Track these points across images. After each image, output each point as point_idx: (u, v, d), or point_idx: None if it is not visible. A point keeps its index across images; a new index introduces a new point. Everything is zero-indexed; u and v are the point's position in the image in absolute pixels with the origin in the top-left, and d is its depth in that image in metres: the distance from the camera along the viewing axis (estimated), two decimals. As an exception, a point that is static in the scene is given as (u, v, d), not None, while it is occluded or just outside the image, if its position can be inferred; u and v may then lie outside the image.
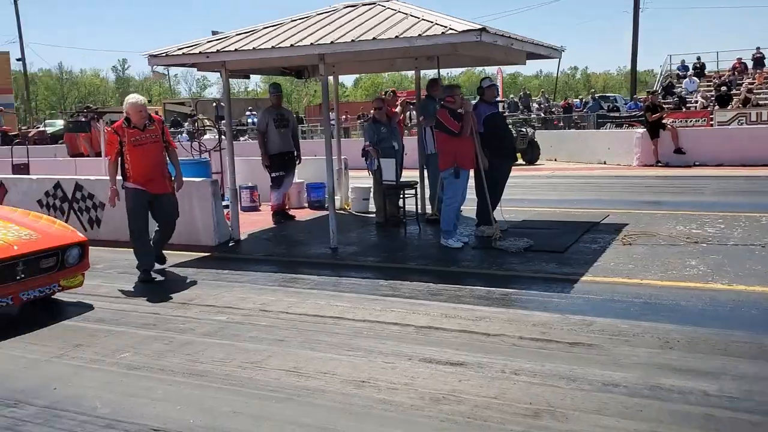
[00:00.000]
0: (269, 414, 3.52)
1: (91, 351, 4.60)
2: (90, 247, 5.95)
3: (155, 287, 6.39)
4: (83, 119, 13.16)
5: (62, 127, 36.80)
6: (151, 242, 6.75)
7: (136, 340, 4.78)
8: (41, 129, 31.93)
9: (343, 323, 4.97)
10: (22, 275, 5.21)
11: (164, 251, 6.97)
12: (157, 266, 6.85)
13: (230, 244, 8.12)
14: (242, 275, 6.64)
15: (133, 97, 6.46)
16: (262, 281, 6.41)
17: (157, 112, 18.70)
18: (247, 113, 32.36)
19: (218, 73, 8.57)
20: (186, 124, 27.69)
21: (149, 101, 45.19)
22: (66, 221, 8.73)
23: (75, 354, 4.56)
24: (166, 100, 41.19)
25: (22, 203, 9.05)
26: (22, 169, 12.40)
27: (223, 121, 11.12)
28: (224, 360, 4.33)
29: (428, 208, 9.29)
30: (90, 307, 5.70)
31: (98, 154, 13.31)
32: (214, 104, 28.80)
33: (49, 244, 5.47)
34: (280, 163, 9.40)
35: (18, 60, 49.28)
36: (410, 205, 8.90)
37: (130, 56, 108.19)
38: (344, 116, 27.50)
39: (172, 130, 26.70)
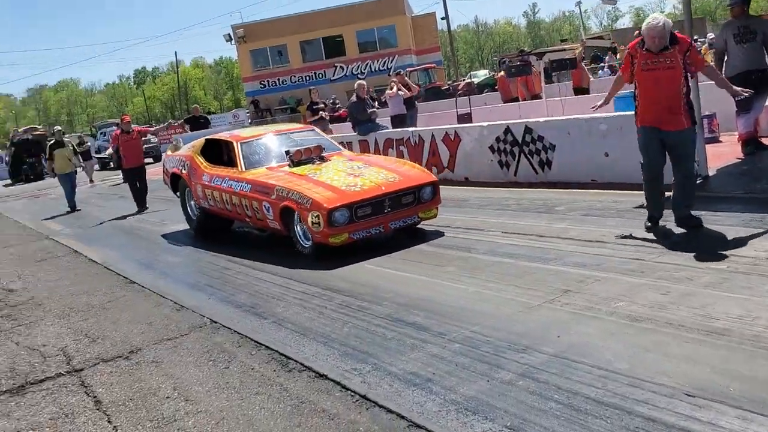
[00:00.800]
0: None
1: (581, 297, 4.39)
2: (542, 189, 7.03)
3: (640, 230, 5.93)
4: (520, 63, 13.33)
5: (485, 77, 39.40)
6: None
7: (626, 288, 4.41)
8: (468, 81, 34.21)
9: None
10: (389, 209, 6.52)
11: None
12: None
13: (698, 181, 7.24)
14: (724, 217, 5.78)
15: (651, 18, 5.48)
16: (755, 223, 5.47)
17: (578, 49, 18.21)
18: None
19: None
20: (606, 57, 26.65)
21: (564, 40, 44.87)
22: (516, 165, 8.89)
23: (566, 300, 4.39)
24: (585, 36, 40.33)
25: (475, 150, 9.53)
26: (465, 118, 13.17)
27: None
28: (743, 317, 3.67)
29: None
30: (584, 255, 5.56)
31: (534, 97, 13.41)
32: (637, 33, 27.12)
33: (407, 184, 6.70)
34: (747, 83, 8.01)
35: (442, 19, 53.94)
36: None
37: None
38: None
39: (592, 66, 26.02)
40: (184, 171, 8.88)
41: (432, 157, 10.28)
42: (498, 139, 9.11)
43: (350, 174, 6.87)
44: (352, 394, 3.53)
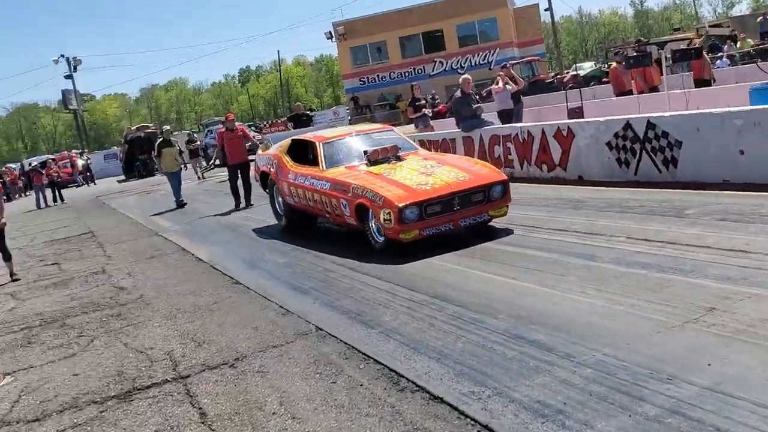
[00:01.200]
0: None
1: (730, 317, 3.85)
2: (667, 190, 7.18)
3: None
4: (638, 53, 12.42)
5: (591, 69, 37.88)
6: None
7: (784, 308, 3.85)
8: (575, 73, 33.01)
9: None
10: (458, 207, 6.70)
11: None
12: None
13: None
14: None
15: None
16: None
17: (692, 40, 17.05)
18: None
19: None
20: (725, 47, 24.91)
21: (677, 29, 42.47)
22: (637, 163, 8.26)
23: (712, 319, 3.87)
24: (699, 25, 38.07)
25: (590, 146, 8.94)
26: (577, 112, 12.50)
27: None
28: None
29: None
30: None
31: (653, 89, 12.54)
32: (760, 19, 25.33)
33: (477, 182, 6.85)
34: None
35: (546, 10, 52.40)
36: None
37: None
38: None
39: (710, 55, 24.35)
40: (272, 169, 9.33)
41: (542, 154, 9.76)
42: (617, 135, 8.48)
43: (422, 173, 7.07)
44: (473, 422, 3.19)
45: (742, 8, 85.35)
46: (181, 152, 15.05)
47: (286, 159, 9.04)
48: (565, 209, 7.61)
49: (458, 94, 11.12)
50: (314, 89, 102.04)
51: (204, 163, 21.06)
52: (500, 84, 12.55)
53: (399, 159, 7.71)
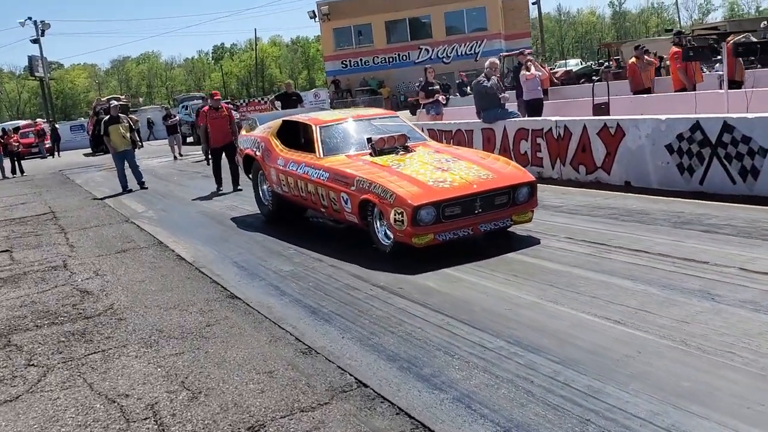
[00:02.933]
0: None
1: None
2: (743, 205, 6.28)
3: None
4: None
5: (578, 66, 36.89)
6: None
7: None
8: (567, 69, 31.96)
9: None
10: (480, 210, 5.80)
11: None
12: None
13: None
14: None
15: None
16: None
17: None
18: None
19: None
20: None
21: (668, 30, 41.80)
22: (704, 171, 7.07)
23: None
24: (698, 27, 37.15)
25: (645, 148, 7.73)
26: (603, 109, 11.29)
27: None
28: None
29: None
30: None
31: (692, 87, 11.35)
32: (764, 24, 24.37)
33: (502, 183, 5.95)
34: None
35: (533, 3, 51.30)
36: None
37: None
38: None
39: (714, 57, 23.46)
40: (258, 153, 8.25)
41: (581, 154, 8.52)
42: (681, 137, 7.26)
43: (438, 168, 6.19)
44: None
45: (716, 15, 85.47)
46: (132, 128, 13.42)
47: (275, 142, 7.93)
48: (631, 224, 6.38)
49: (482, 79, 9.78)
50: (289, 71, 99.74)
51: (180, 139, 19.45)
52: (532, 70, 11.16)
53: (407, 150, 6.78)
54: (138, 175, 13.25)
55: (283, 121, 8.23)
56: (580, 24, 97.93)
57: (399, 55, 44.15)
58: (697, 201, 6.97)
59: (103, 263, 7.19)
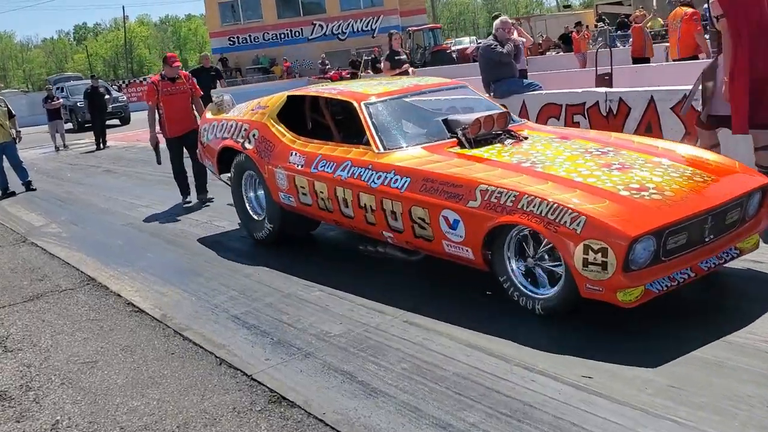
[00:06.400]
0: None
1: None
2: None
3: None
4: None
5: (468, 44, 35.73)
6: None
7: None
8: (477, 45, 30.63)
9: None
10: (710, 235, 3.61)
11: None
12: None
13: None
14: None
15: None
16: None
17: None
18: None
19: None
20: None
21: (567, 6, 41.15)
22: None
23: None
24: (600, 2, 36.72)
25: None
26: (606, 80, 9.61)
27: None
28: None
29: None
30: None
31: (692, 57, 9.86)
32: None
33: (737, 189, 3.74)
34: None
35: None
36: None
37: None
38: None
39: (619, 33, 22.80)
40: (248, 146, 5.57)
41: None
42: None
43: (605, 165, 3.88)
44: None
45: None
46: (12, 114, 10.26)
47: (279, 129, 5.40)
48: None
49: (493, 43, 7.69)
50: (159, 51, 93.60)
51: (69, 125, 15.99)
52: (514, 35, 9.00)
53: (512, 136, 4.55)
54: (22, 173, 10.21)
55: (289, 96, 5.68)
56: (454, 5, 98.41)
57: (291, 31, 41.42)
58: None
59: (10, 327, 4.57)
